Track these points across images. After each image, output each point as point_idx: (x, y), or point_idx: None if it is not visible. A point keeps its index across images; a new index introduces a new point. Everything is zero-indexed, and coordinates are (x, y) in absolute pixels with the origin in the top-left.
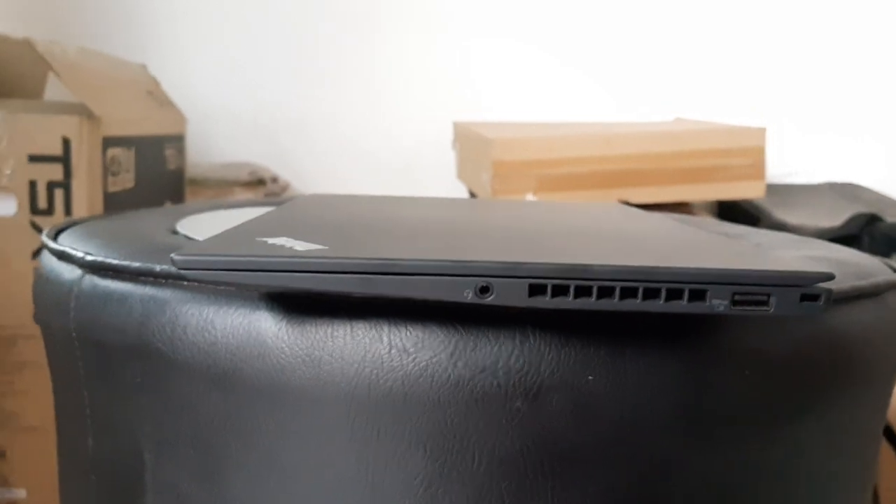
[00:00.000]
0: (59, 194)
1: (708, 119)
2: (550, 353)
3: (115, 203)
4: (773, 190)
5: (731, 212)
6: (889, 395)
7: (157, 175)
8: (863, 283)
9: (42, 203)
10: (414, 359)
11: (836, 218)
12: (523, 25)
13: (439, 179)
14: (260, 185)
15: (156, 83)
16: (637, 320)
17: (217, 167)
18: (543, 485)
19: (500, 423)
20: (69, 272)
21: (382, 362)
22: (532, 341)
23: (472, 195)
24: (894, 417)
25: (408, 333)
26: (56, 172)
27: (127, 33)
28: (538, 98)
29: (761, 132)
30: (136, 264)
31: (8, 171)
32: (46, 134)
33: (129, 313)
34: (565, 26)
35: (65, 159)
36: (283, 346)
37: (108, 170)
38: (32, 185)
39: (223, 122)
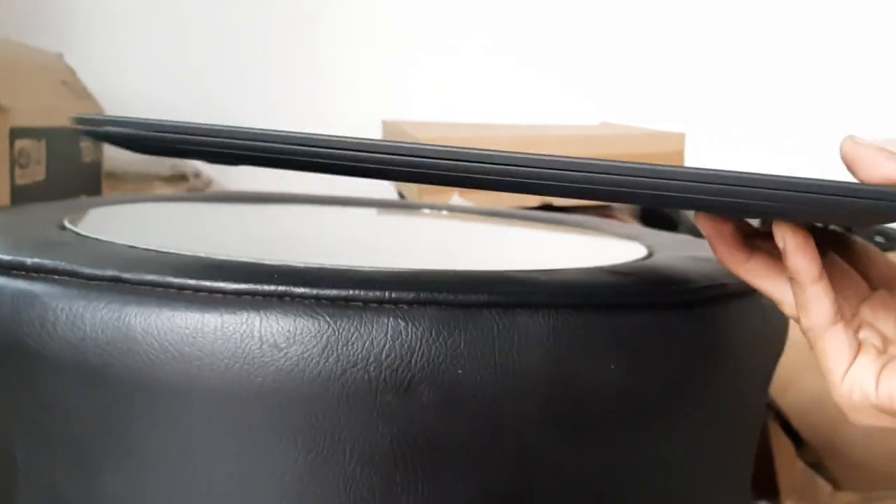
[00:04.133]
0: None
1: (634, 125)
2: (421, 347)
3: (24, 196)
4: None
5: (652, 215)
6: (764, 389)
7: (70, 168)
8: (737, 281)
9: None
10: (285, 354)
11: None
12: (458, 27)
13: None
14: (182, 180)
15: (72, 73)
16: (506, 314)
17: (137, 160)
18: (413, 478)
19: (371, 418)
20: None
21: (253, 358)
22: (404, 336)
23: (401, 195)
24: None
25: (279, 328)
26: None
27: (43, 20)
28: (472, 100)
29: (681, 137)
30: (6, 257)
31: None
32: None
33: (1, 307)
34: (502, 28)
35: None
36: (153, 341)
37: (15, 162)
38: None
39: (146, 114)
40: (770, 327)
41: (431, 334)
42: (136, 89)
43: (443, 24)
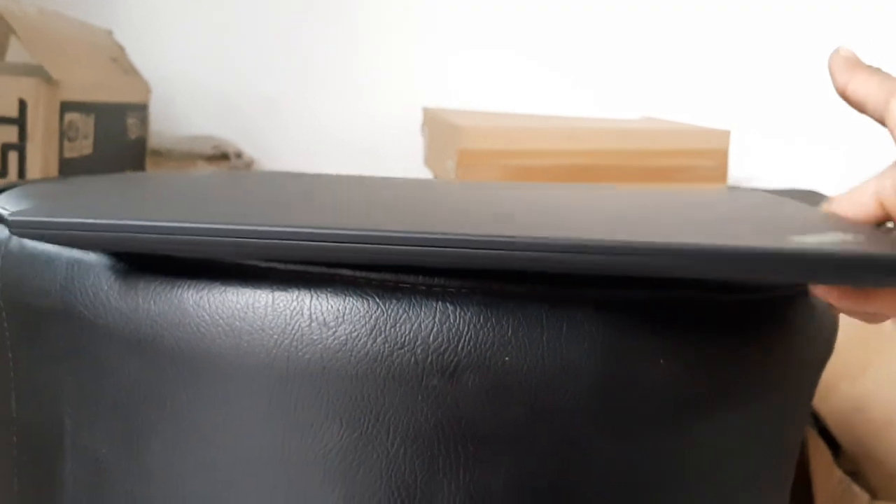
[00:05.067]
0: (13, 157)
1: (678, 120)
2: (469, 332)
3: (71, 169)
4: None
5: None
6: (809, 397)
7: (117, 143)
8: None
9: None
10: (334, 332)
11: None
12: (503, 19)
13: (407, 165)
14: (223, 159)
15: (121, 50)
16: (556, 304)
17: (182, 139)
18: (455, 463)
19: (416, 400)
20: None
21: (302, 335)
22: (452, 320)
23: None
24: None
25: (329, 307)
26: (11, 135)
27: None
28: (512, 91)
29: (726, 135)
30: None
31: None
32: (3, 95)
33: (53, 275)
34: (545, 21)
35: (20, 122)
36: (204, 314)
37: (64, 135)
38: None
39: (191, 95)
40: (821, 332)
41: (479, 320)
42: (180, 68)
43: (487, 13)
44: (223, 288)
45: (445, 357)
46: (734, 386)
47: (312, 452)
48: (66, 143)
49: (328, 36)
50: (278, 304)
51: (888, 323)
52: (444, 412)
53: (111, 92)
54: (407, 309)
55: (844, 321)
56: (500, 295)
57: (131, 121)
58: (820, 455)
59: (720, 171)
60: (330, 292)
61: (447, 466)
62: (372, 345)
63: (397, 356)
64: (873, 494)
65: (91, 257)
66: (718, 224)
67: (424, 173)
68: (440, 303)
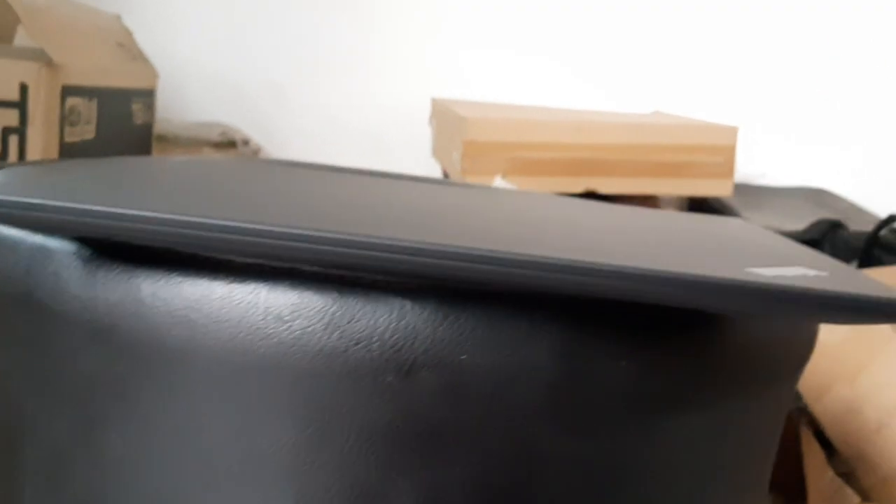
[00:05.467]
0: (13, 141)
1: (688, 116)
2: (426, 330)
3: (72, 153)
4: (745, 190)
5: (700, 209)
6: (784, 398)
7: (121, 129)
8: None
9: None
10: (289, 327)
11: (800, 222)
12: (515, 12)
13: (414, 156)
14: (230, 146)
15: (129, 35)
16: (515, 303)
17: (189, 126)
18: (411, 462)
19: (371, 397)
20: None
21: (257, 328)
22: (409, 318)
23: (445, 175)
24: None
25: (285, 301)
26: (12, 118)
27: None
28: (523, 85)
29: (733, 131)
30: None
31: None
32: (4, 78)
33: (17, 261)
34: (557, 15)
35: (21, 105)
36: (160, 304)
37: (66, 119)
38: None
39: (199, 81)
40: (795, 334)
41: (437, 317)
42: (189, 55)
43: (499, 5)
44: (180, 279)
45: (402, 354)
46: (698, 388)
47: (266, 448)
48: (67, 128)
49: (339, 24)
50: (234, 296)
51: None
52: (399, 410)
53: (116, 77)
54: (364, 305)
55: None
56: (459, 293)
57: (137, 106)
58: (813, 455)
59: (727, 167)
60: (286, 286)
61: (403, 465)
62: (327, 340)
63: (352, 352)
64: (865, 497)
65: (54, 244)
66: (675, 249)
67: (432, 164)
68: (398, 299)
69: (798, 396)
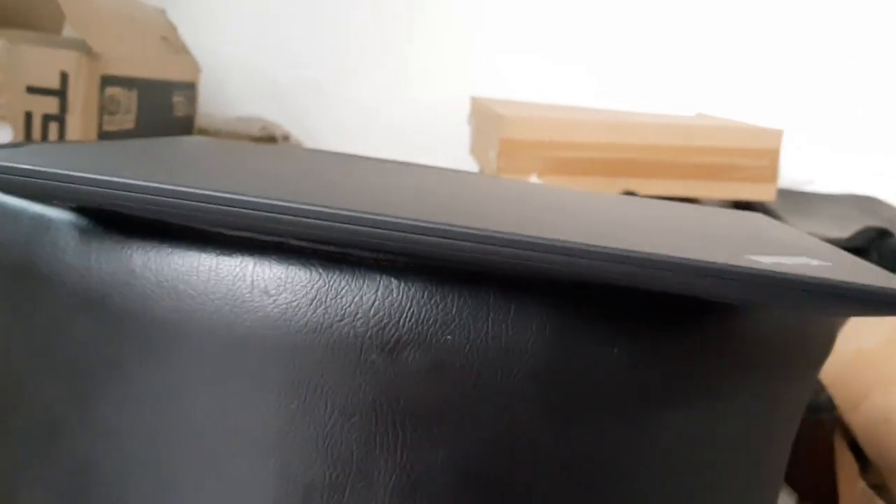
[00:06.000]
0: (53, 128)
1: (733, 119)
2: (411, 308)
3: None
4: (790, 196)
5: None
6: (795, 396)
7: (161, 120)
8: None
9: (36, 135)
10: (274, 300)
11: (846, 229)
12: (558, 11)
13: (452, 154)
14: (271, 141)
15: (172, 29)
16: (505, 285)
17: (230, 120)
18: (393, 441)
19: (355, 374)
20: None
21: (244, 301)
22: (395, 295)
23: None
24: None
25: (271, 274)
26: (52, 106)
27: None
28: (564, 85)
29: (777, 134)
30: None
31: (3, 101)
32: (45, 67)
33: (18, 230)
34: (602, 15)
35: (61, 93)
36: (150, 275)
37: (105, 108)
38: (28, 116)
39: (242, 76)
40: (807, 330)
41: (423, 296)
42: (233, 50)
43: (542, 4)
44: (170, 250)
45: (386, 332)
46: (696, 380)
47: (250, 421)
48: (106, 117)
49: (379, 22)
50: (221, 268)
51: None
52: (382, 388)
53: (157, 69)
54: (350, 281)
55: (878, 322)
56: (447, 273)
57: (178, 99)
58: (846, 465)
59: (770, 171)
60: (274, 260)
61: (384, 444)
62: (312, 315)
63: (336, 328)
64: None
65: (54, 213)
66: (676, 236)
67: (469, 163)
68: (384, 277)
69: (832, 405)
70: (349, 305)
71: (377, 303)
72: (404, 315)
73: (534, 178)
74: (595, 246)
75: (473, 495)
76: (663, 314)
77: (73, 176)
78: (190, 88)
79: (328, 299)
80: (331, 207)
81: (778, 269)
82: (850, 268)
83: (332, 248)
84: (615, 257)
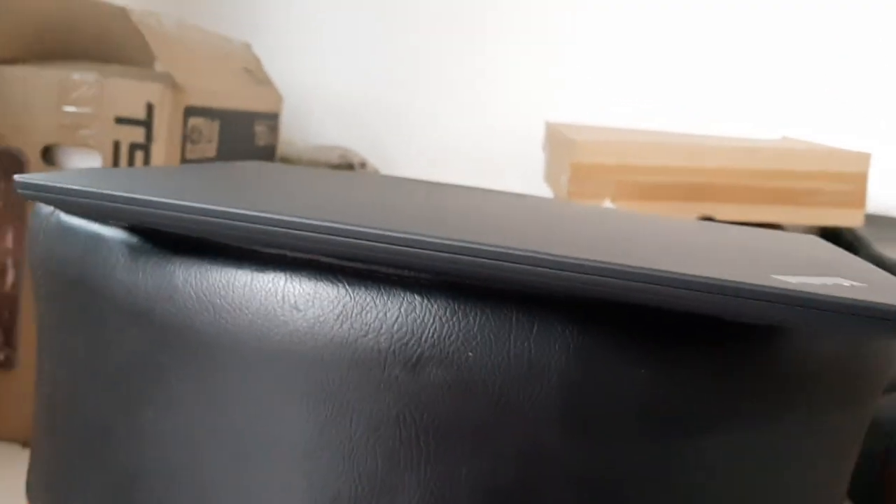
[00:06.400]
0: (139, 156)
1: (820, 142)
2: (433, 324)
3: None
4: (881, 222)
5: (831, 240)
6: (852, 428)
7: (243, 149)
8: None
9: (123, 163)
10: (303, 315)
11: None
12: (635, 34)
13: (528, 180)
14: (348, 168)
15: (256, 61)
16: (528, 303)
17: (310, 148)
18: (417, 457)
19: (379, 389)
20: (45, 208)
21: (275, 316)
22: (417, 311)
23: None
24: None
25: (301, 290)
26: (138, 135)
27: (237, 13)
28: (641, 111)
29: (865, 157)
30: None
31: (91, 132)
32: (133, 98)
33: (75, 247)
34: (676, 38)
35: (147, 123)
36: (190, 290)
37: (188, 137)
38: (116, 145)
39: (323, 105)
40: (859, 356)
41: (445, 313)
42: (315, 80)
43: (619, 27)
44: (209, 267)
45: (409, 348)
46: (729, 406)
47: (281, 432)
48: (189, 145)
49: (457, 50)
50: (255, 284)
51: None
52: (406, 404)
53: (240, 100)
54: (375, 297)
55: None
56: (470, 290)
57: (260, 128)
58: None
59: (857, 197)
60: (304, 276)
61: (409, 459)
62: (338, 330)
63: (361, 343)
64: None
65: (107, 232)
66: (705, 257)
67: (544, 189)
68: (408, 293)
69: None
70: (373, 321)
71: (400, 319)
72: (426, 331)
73: (607, 203)
74: (592, 261)
75: None
76: (694, 337)
77: (119, 196)
78: (272, 118)
79: (353, 315)
80: (354, 225)
81: (795, 288)
82: (886, 290)
83: (358, 265)
84: (614, 272)
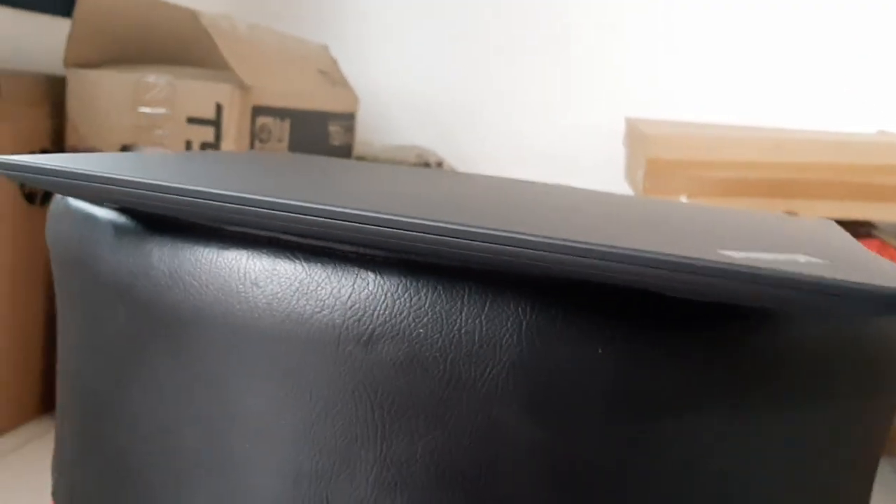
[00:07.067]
0: None
1: None
2: (386, 300)
3: None
4: None
5: None
6: (852, 420)
7: (316, 148)
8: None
9: None
10: (262, 291)
11: None
12: (721, 26)
13: (606, 178)
14: (425, 168)
15: (333, 63)
16: (482, 280)
17: (388, 148)
18: (373, 432)
19: (334, 364)
20: (58, 195)
21: (237, 292)
22: (371, 288)
23: None
24: None
25: (261, 267)
26: (208, 135)
27: (317, 17)
28: (723, 102)
29: None
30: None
31: (165, 131)
32: (203, 99)
33: (74, 228)
34: (759, 25)
35: (216, 123)
36: (164, 267)
37: (256, 136)
38: (188, 144)
39: (401, 106)
40: (859, 344)
41: (397, 290)
42: (393, 82)
43: (703, 20)
44: (180, 245)
45: (361, 323)
46: (698, 390)
47: (246, 408)
48: (257, 144)
49: (533, 50)
50: (220, 261)
51: None
52: (360, 379)
53: (312, 100)
54: (330, 274)
55: None
56: (423, 267)
57: (334, 128)
58: None
59: None
60: (264, 253)
61: (366, 435)
62: (295, 305)
63: (317, 319)
64: None
65: (99, 213)
66: (655, 233)
67: (624, 187)
68: (361, 270)
69: None
70: (328, 297)
71: (353, 295)
72: (378, 307)
73: (682, 199)
74: (532, 234)
75: (452, 492)
76: (660, 318)
77: (92, 175)
78: (348, 119)
79: (309, 291)
80: (307, 202)
81: (727, 261)
82: (850, 267)
83: (315, 243)
84: (555, 247)
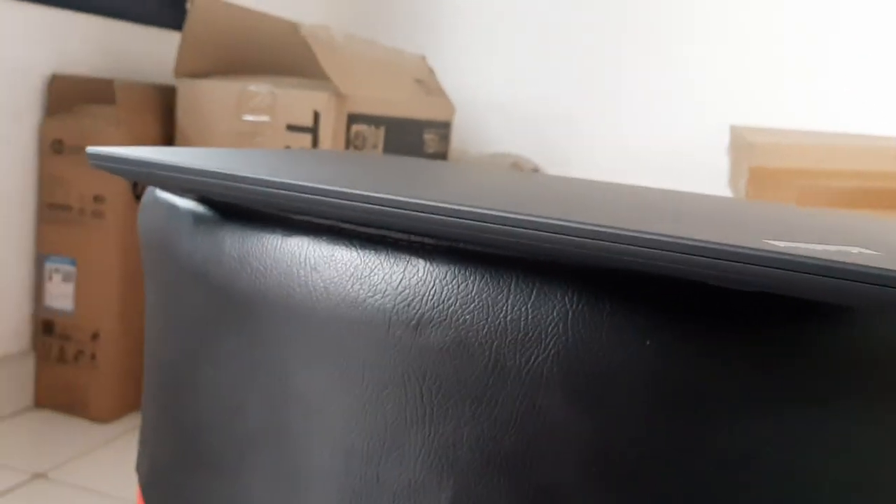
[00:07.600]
0: None
1: None
2: (434, 286)
3: None
4: None
5: None
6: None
7: (411, 154)
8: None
9: None
10: (320, 275)
11: None
12: (821, 30)
13: (708, 185)
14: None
15: (429, 72)
16: (531, 269)
17: (483, 156)
18: (421, 415)
19: (385, 347)
20: (149, 187)
21: (298, 276)
22: (420, 274)
23: None
24: None
25: (320, 253)
26: (306, 141)
27: (414, 27)
28: (834, 110)
29: None
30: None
31: (266, 138)
32: (301, 107)
33: (159, 216)
34: (873, 31)
35: (314, 130)
36: (234, 253)
37: (351, 142)
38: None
39: (498, 114)
40: None
41: (446, 276)
42: (489, 91)
43: (812, 28)
44: (248, 232)
45: (410, 308)
46: (755, 388)
47: (303, 387)
48: (351, 149)
49: (631, 58)
50: (284, 247)
51: None
52: (409, 363)
53: (407, 108)
54: (383, 260)
55: None
56: (471, 255)
57: (429, 136)
58: None
59: None
60: (323, 240)
61: (414, 418)
62: (350, 289)
63: (369, 303)
64: None
65: (181, 203)
66: (700, 224)
67: (727, 195)
68: (413, 257)
69: None
70: (380, 282)
71: (404, 281)
72: (427, 293)
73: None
74: (580, 222)
75: (497, 477)
76: (712, 312)
77: (160, 163)
78: (443, 127)
79: (363, 276)
80: (363, 191)
81: (773, 249)
82: None
83: (371, 231)
84: (596, 233)
